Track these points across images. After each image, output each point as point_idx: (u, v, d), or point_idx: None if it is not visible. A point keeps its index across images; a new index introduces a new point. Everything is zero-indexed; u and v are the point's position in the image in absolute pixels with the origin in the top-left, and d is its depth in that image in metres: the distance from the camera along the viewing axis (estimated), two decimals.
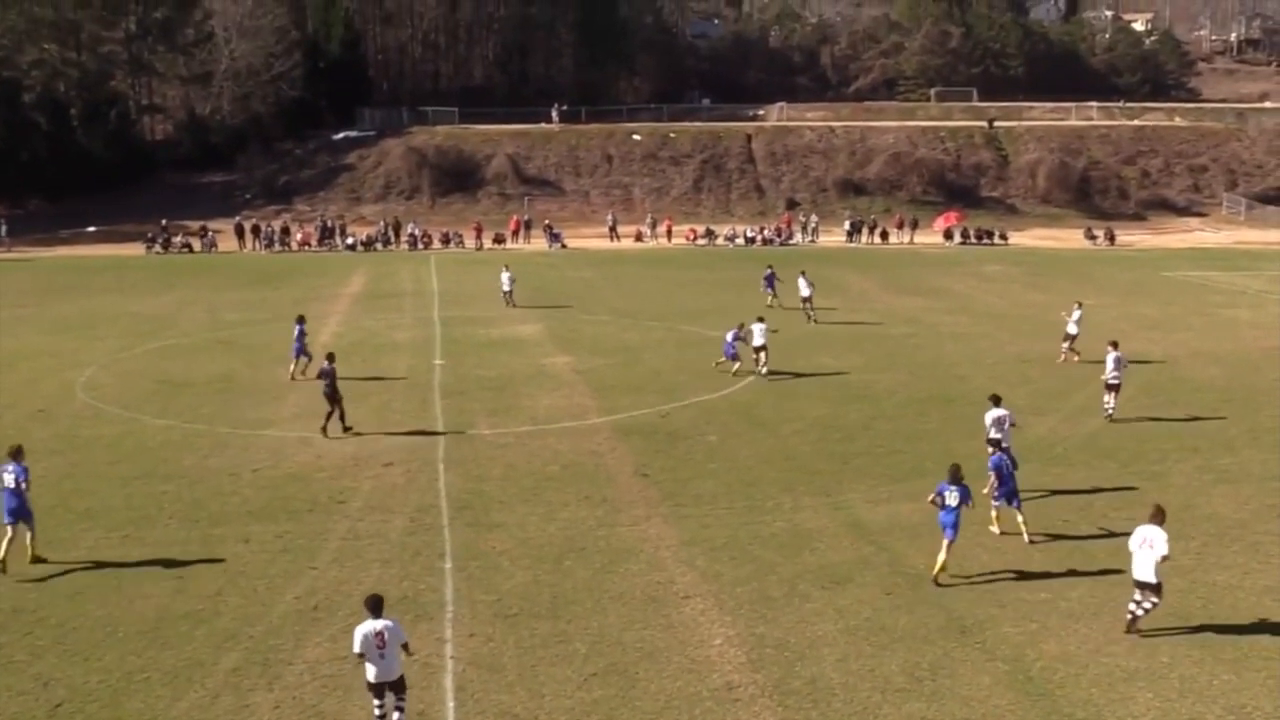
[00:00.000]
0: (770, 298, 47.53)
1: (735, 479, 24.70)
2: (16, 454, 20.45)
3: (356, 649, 14.34)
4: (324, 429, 27.91)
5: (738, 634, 17.19)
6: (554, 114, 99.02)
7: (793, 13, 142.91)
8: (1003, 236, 77.80)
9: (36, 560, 19.89)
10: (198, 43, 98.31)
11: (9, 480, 20.00)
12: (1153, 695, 15.36)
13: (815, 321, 44.47)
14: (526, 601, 18.34)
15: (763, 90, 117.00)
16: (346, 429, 28.09)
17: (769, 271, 48.51)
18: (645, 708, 15.11)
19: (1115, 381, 29.03)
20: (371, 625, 14.32)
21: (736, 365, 34.67)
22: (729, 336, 35.17)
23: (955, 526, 19.03)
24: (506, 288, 49.24)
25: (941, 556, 19.16)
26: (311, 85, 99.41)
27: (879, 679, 15.81)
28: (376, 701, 14.47)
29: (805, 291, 45.05)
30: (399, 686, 14.55)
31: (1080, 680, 15.77)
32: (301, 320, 34.97)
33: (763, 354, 34.49)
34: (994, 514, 21.28)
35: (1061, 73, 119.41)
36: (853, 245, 75.57)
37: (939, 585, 18.98)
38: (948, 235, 77.69)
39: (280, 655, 16.49)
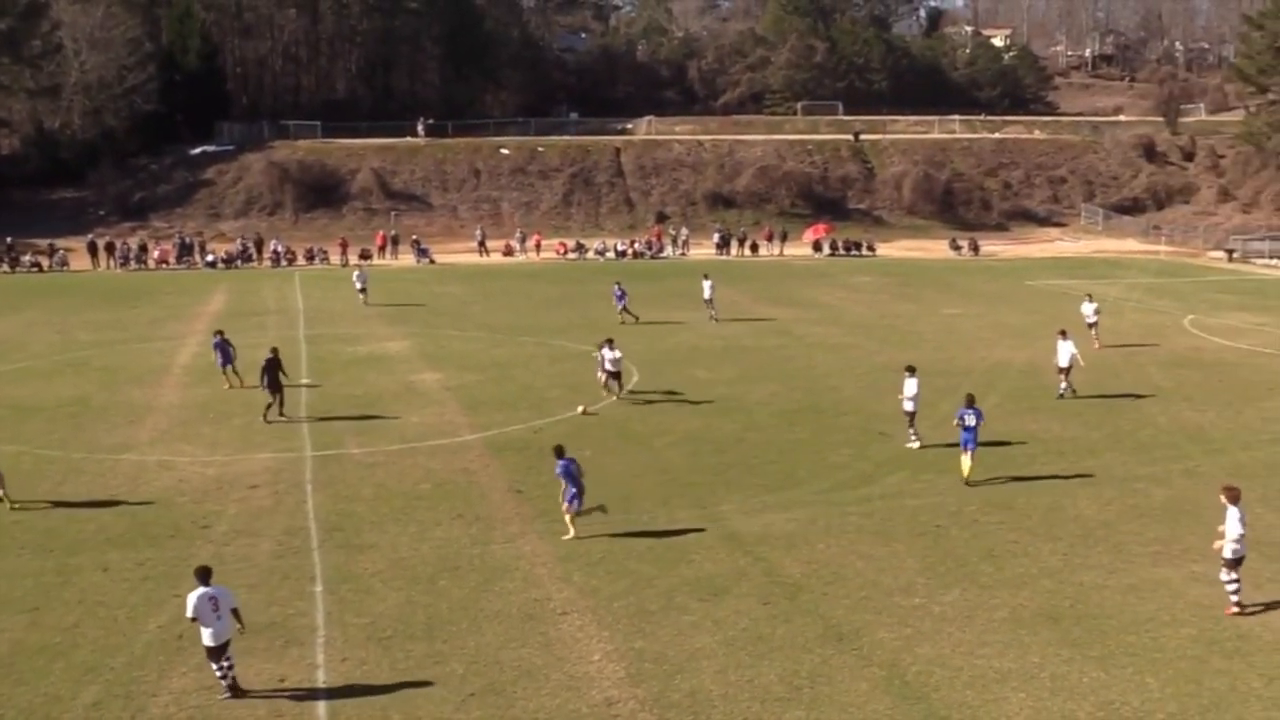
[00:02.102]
0: (621, 313, 47.48)
1: (609, 493, 24.48)
2: None
3: (190, 614, 15.55)
4: (270, 419, 30.55)
5: (616, 649, 17.05)
6: (420, 128, 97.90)
7: (660, 27, 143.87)
8: (870, 248, 79.23)
9: None
10: (45, 54, 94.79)
11: None
12: (1025, 695, 15.61)
13: (717, 320, 47.46)
14: (401, 623, 17.94)
15: (631, 104, 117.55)
16: (281, 415, 30.80)
17: (618, 288, 48.54)
18: None
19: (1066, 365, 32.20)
20: (203, 590, 15.56)
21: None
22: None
23: (974, 441, 24.62)
24: (360, 286, 53.21)
25: (968, 463, 24.61)
26: (167, 99, 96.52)
27: (758, 689, 15.80)
28: (214, 665, 15.59)
29: (708, 294, 48.29)
30: (226, 649, 15.67)
31: (955, 683, 15.96)
32: (220, 334, 35.91)
33: (615, 380, 33.42)
34: (568, 518, 21.69)
35: (924, 86, 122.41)
36: (723, 257, 76.19)
37: (970, 485, 24.43)
38: (817, 247, 78.85)
39: (144, 687, 15.85)
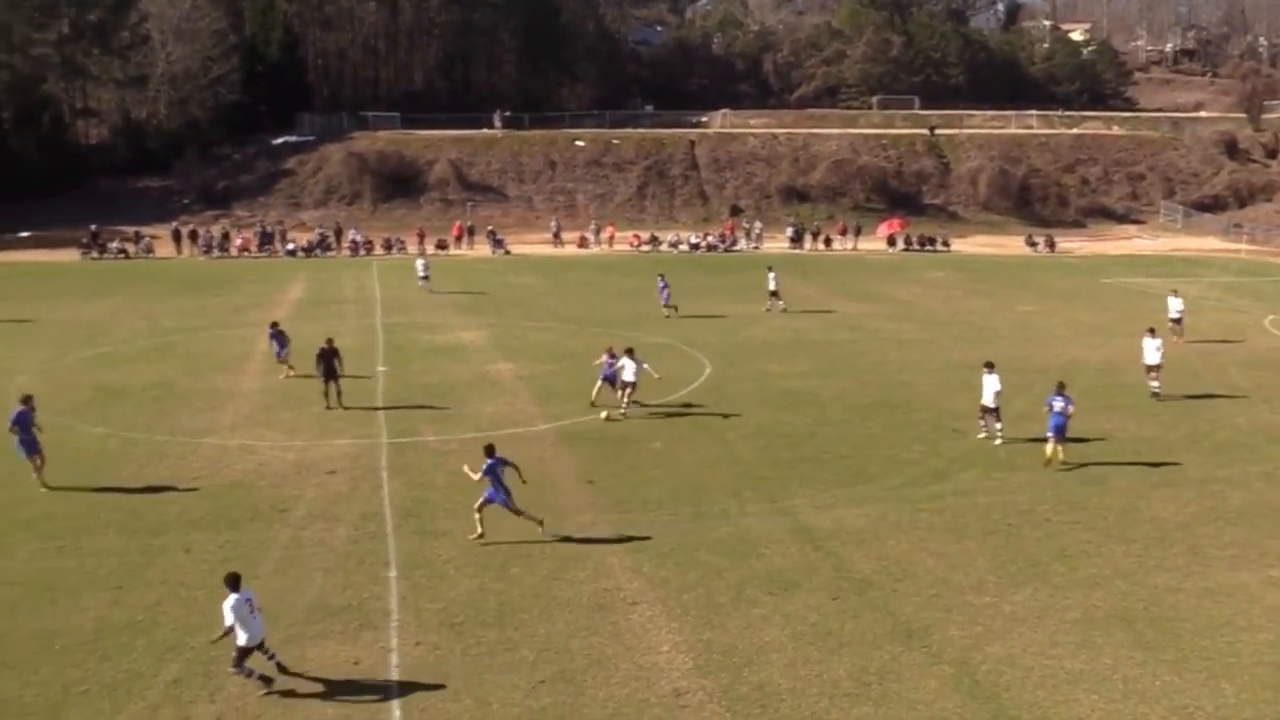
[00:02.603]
0: (665, 307, 47.42)
1: (681, 485, 24.67)
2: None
3: (229, 621, 15.51)
4: (329, 406, 31.04)
5: (685, 640, 17.15)
6: (497, 120, 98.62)
7: (735, 20, 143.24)
8: (945, 243, 78.57)
9: None
10: (133, 46, 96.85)
11: None
12: (1098, 697, 15.50)
13: (785, 310, 48.32)
14: (473, 609, 18.18)
15: (705, 97, 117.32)
16: (329, 408, 30.98)
17: (662, 280, 48.40)
18: (593, 715, 15.03)
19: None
20: (238, 595, 15.62)
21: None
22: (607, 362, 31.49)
23: (1062, 428, 25.47)
24: (422, 274, 55.25)
25: (1050, 448, 25.48)
26: (250, 89, 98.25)
27: (826, 684, 15.83)
28: (249, 665, 15.59)
29: (773, 285, 49.15)
30: (261, 648, 15.83)
31: (1026, 683, 15.88)
32: (275, 325, 36.55)
33: (629, 390, 30.92)
34: (476, 516, 21.30)
35: (1002, 81, 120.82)
36: (796, 251, 75.94)
37: (1049, 466, 25.33)
38: (891, 242, 78.31)
39: (222, 666, 16.20)
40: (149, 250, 71.41)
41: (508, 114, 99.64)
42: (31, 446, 24.41)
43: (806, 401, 32.51)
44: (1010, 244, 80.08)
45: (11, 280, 57.44)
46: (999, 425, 27.96)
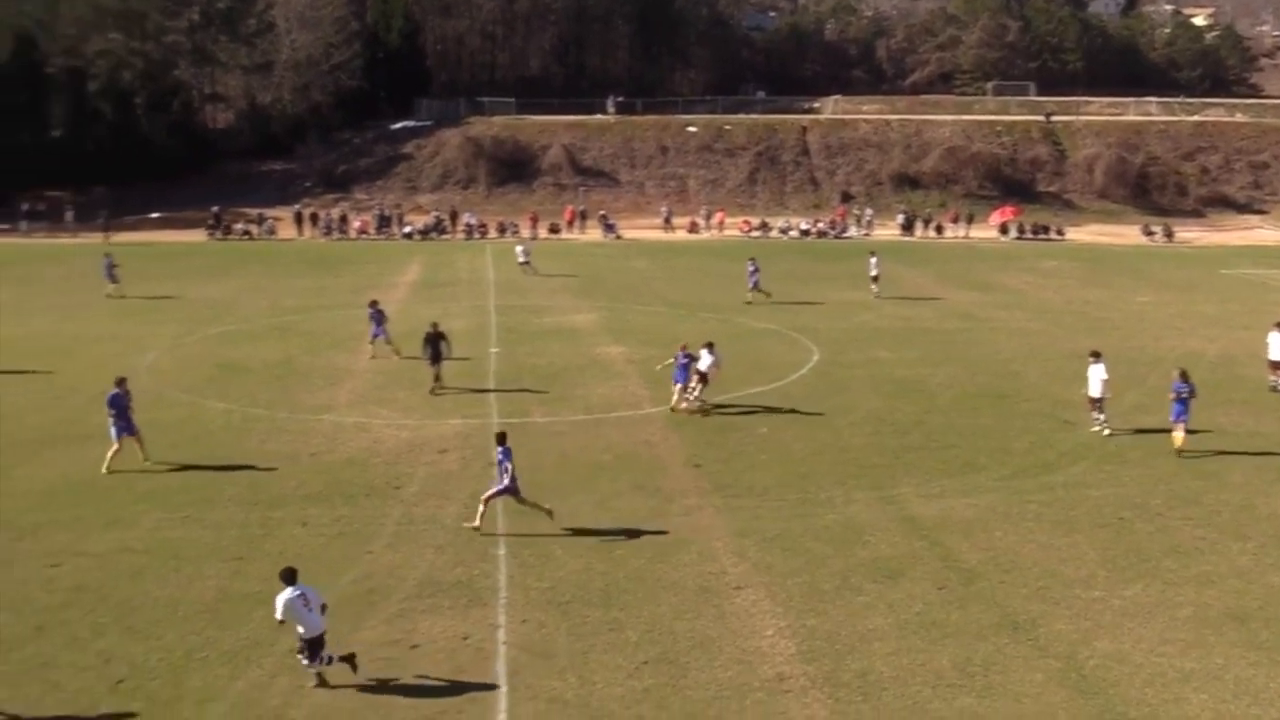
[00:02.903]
0: (752, 290, 47.14)
1: (788, 471, 24.72)
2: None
3: (279, 616, 15.44)
4: (434, 390, 31.27)
5: (789, 626, 17.24)
6: (610, 105, 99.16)
7: (848, 5, 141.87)
8: (1059, 232, 77.07)
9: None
10: (259, 33, 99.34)
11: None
12: (1208, 697, 15.25)
13: (878, 297, 47.86)
14: (579, 589, 18.48)
15: (818, 83, 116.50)
16: (433, 391, 31.21)
17: (752, 264, 47.98)
18: (696, 697, 15.20)
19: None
20: (292, 590, 15.47)
21: (692, 391, 29.73)
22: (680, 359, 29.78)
23: (1186, 413, 25.65)
24: (522, 259, 56.11)
25: (1180, 436, 25.57)
26: (370, 75, 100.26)
27: (930, 673, 15.80)
28: (305, 661, 15.49)
29: (874, 271, 48.95)
30: (322, 642, 15.56)
31: (1134, 680, 15.68)
32: (375, 304, 36.78)
33: (703, 384, 29.81)
34: (482, 506, 21.16)
35: (1120, 67, 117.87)
36: (907, 239, 75.15)
37: (1181, 455, 25.30)
38: (1003, 230, 77.04)
39: (336, 637, 16.66)
40: (271, 232, 73.29)
41: (621, 99, 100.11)
42: (127, 428, 24.63)
43: (915, 390, 32.27)
44: (1126, 233, 78.21)
45: (145, 260, 59.38)
46: (1102, 416, 27.61)
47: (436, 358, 31.56)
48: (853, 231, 77.73)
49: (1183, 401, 25.93)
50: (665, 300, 48.03)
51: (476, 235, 74.33)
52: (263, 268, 58.30)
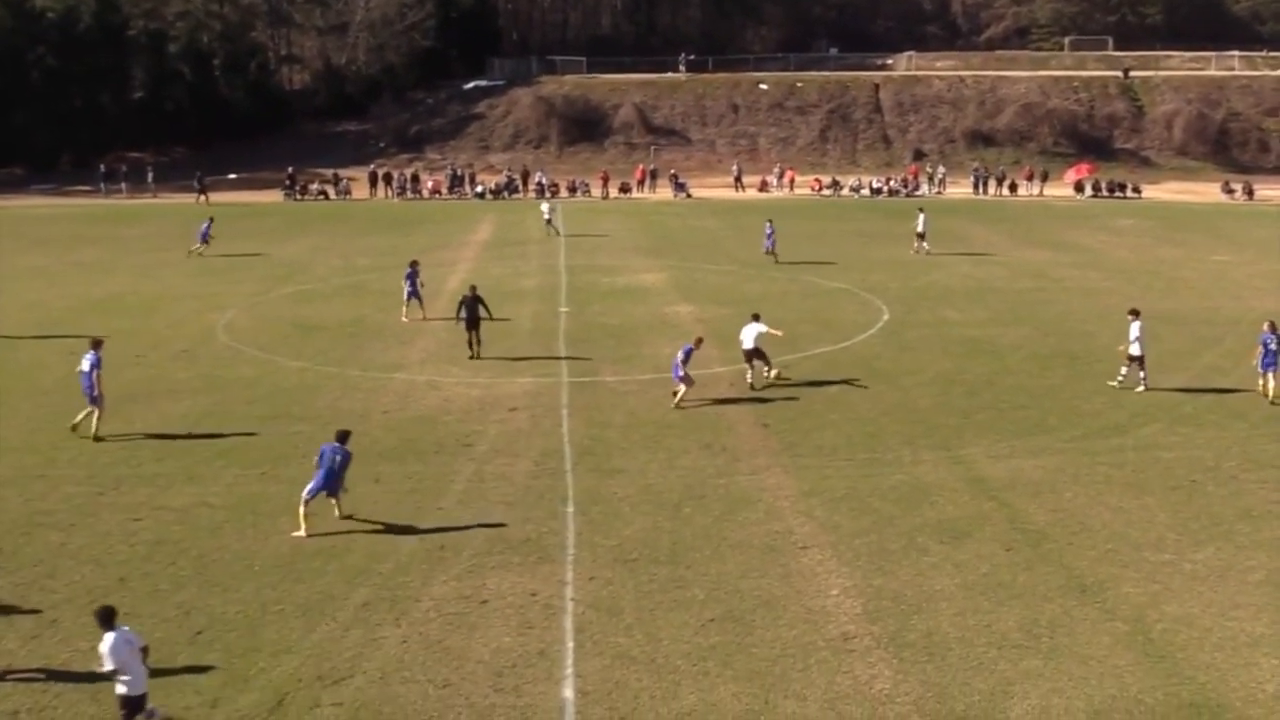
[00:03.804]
0: (767, 253, 46.64)
1: (855, 431, 24.71)
2: (97, 344, 24.65)
3: (109, 665, 12.72)
4: (473, 354, 30.85)
5: (855, 585, 17.31)
6: (681, 64, 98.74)
7: None
8: (1136, 190, 75.64)
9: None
10: None
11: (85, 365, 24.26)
12: (1278, 662, 15.10)
13: (928, 253, 48.02)
14: (646, 547, 18.67)
15: (891, 39, 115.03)
16: (472, 356, 30.75)
17: (769, 226, 47.38)
18: (761, 654, 15.34)
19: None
20: (115, 634, 12.86)
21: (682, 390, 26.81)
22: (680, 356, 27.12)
23: (1276, 363, 26.27)
24: (546, 217, 55.46)
25: (1272, 384, 26.30)
26: (443, 35, 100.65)
27: (996, 634, 15.80)
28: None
29: (921, 227, 49.10)
30: (143, 703, 13.06)
31: (1203, 644, 15.55)
32: (414, 265, 36.62)
33: (757, 361, 28.29)
34: (301, 510, 19.43)
35: (1201, 20, 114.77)
36: (979, 197, 74.19)
37: (1274, 405, 25.97)
38: (1078, 188, 75.77)
39: (407, 592, 17.08)
40: (346, 192, 74.06)
41: (691, 57, 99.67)
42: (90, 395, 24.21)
43: (985, 350, 32.02)
44: (1206, 191, 76.54)
45: (220, 220, 60.35)
46: (1142, 374, 27.41)
47: (474, 323, 30.92)
48: (924, 190, 76.90)
49: (1271, 353, 26.36)
50: (735, 259, 47.96)
51: (548, 194, 74.54)
52: (337, 227, 59.01)
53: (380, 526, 19.59)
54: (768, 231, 47.33)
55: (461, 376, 29.17)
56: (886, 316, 36.28)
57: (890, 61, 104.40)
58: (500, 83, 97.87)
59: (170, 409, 26.35)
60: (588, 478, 21.83)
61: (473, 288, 31.76)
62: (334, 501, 19.83)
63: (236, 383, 28.78)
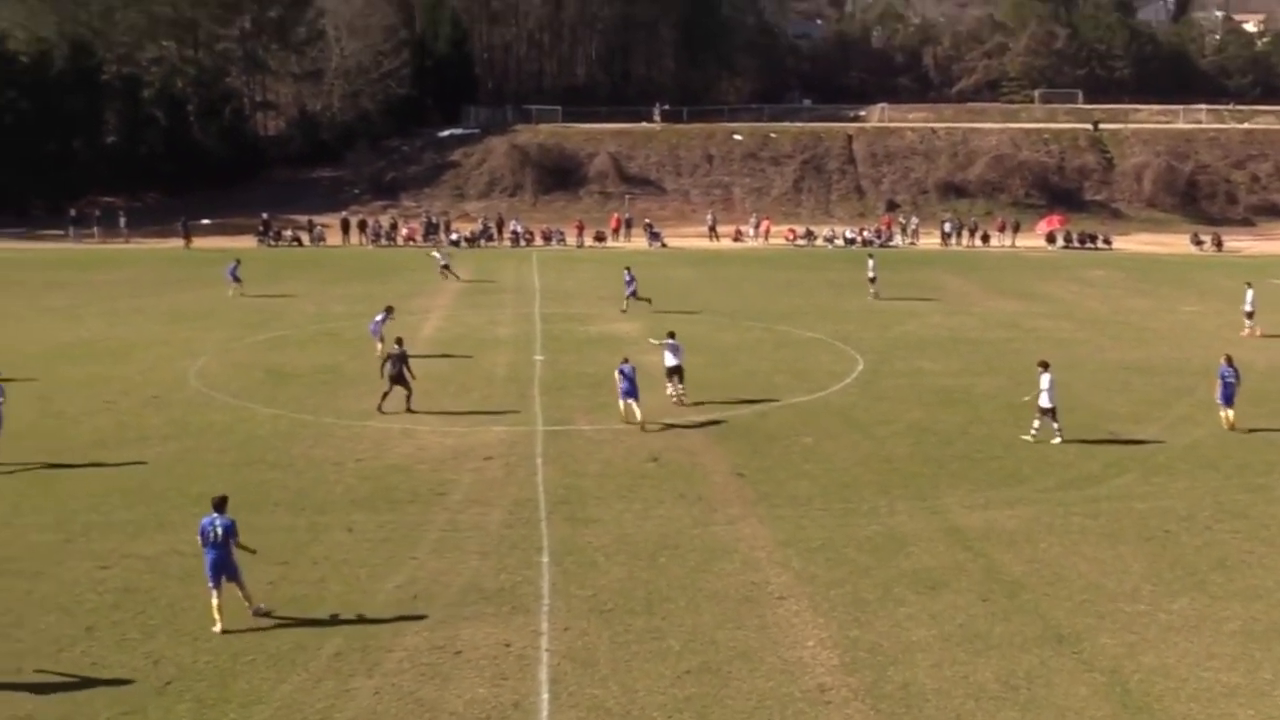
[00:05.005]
0: (628, 299, 46.94)
1: (831, 481, 24.71)
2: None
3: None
4: (388, 407, 29.86)
5: (831, 636, 17.24)
6: (656, 113, 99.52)
7: (896, 13, 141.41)
8: (1106, 241, 76.38)
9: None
10: (310, 41, 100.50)
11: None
12: (1254, 713, 15.10)
13: (877, 298, 49.71)
14: (622, 597, 18.56)
15: (864, 91, 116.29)
16: (381, 408, 29.98)
17: (628, 274, 47.92)
18: (738, 707, 15.23)
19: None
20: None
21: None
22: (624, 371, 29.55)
23: (1232, 397, 28.02)
24: (443, 263, 56.40)
25: (1231, 415, 27.97)
26: (419, 83, 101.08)
27: (973, 686, 15.74)
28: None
29: (871, 273, 50.62)
30: None
31: (1179, 694, 15.55)
32: (388, 310, 37.39)
33: (676, 377, 31.41)
34: (214, 602, 17.59)
35: (1170, 74, 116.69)
36: (952, 248, 74.79)
37: (1234, 431, 27.38)
38: (1050, 239, 76.47)
39: (380, 642, 16.90)
40: (321, 239, 73.90)
41: (666, 107, 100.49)
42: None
43: (959, 400, 32.14)
44: (1175, 242, 77.35)
45: (194, 266, 60.22)
46: (1056, 425, 27.48)
47: (398, 378, 30.08)
48: (898, 240, 77.45)
49: (1229, 385, 28.29)
50: (710, 309, 48.07)
51: (523, 243, 74.71)
52: (311, 274, 58.86)
53: (353, 575, 19.40)
54: (627, 279, 47.59)
55: (435, 425, 29.04)
56: (861, 366, 36.40)
57: (863, 113, 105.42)
58: (476, 131, 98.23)
59: (141, 455, 26.10)
60: (563, 527, 21.72)
61: (399, 340, 31.50)
62: (239, 591, 17.67)
63: (209, 429, 28.55)
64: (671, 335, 31.80)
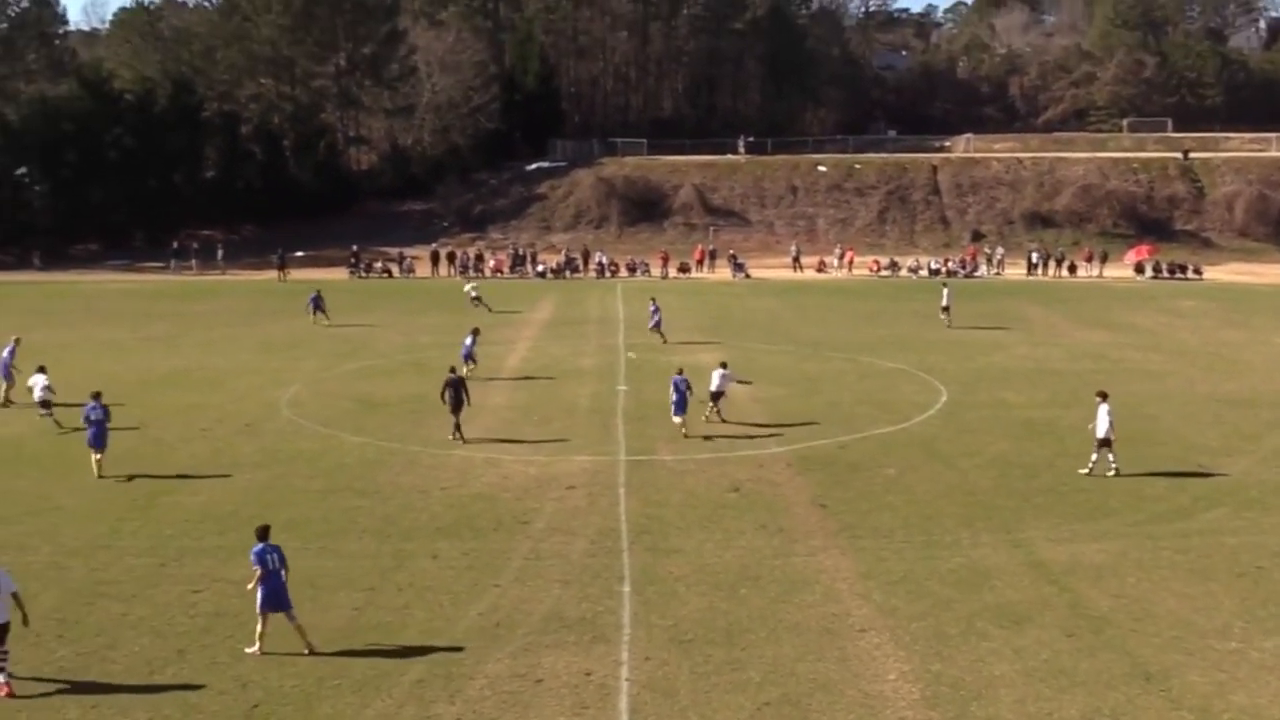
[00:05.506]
0: (652, 330, 47.25)
1: (913, 513, 24.54)
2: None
3: None
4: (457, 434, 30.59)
5: (913, 670, 17.12)
6: (740, 145, 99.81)
7: (981, 43, 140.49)
8: (1197, 271, 74.98)
9: None
10: (402, 77, 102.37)
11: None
12: None
13: (949, 326, 49.94)
14: (702, 628, 18.59)
15: (949, 121, 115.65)
16: (455, 437, 30.51)
17: (653, 304, 48.44)
18: None
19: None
20: None
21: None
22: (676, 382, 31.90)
23: None
24: (474, 295, 57.13)
25: None
26: (507, 117, 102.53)
27: None
28: None
29: (945, 301, 50.90)
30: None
31: None
32: (475, 332, 39.91)
33: (719, 401, 32.82)
34: (258, 626, 17.76)
35: (1262, 102, 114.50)
36: (1037, 278, 73.89)
37: None
38: (1139, 269, 75.29)
39: (462, 669, 17.11)
40: (410, 270, 75.18)
41: (751, 139, 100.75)
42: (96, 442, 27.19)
43: (1045, 432, 31.75)
44: (1268, 272, 75.71)
45: (287, 297, 61.42)
46: (1112, 457, 27.01)
47: (458, 405, 30.78)
48: (983, 271, 76.73)
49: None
50: (793, 339, 48.02)
51: (608, 274, 75.24)
52: (399, 305, 59.84)
53: (437, 602, 19.67)
54: (652, 310, 47.78)
55: (520, 454, 29.35)
56: (945, 397, 36.12)
57: (948, 143, 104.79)
58: (562, 164, 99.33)
59: (233, 482, 26.74)
60: (644, 557, 21.83)
61: (452, 369, 32.30)
62: (293, 624, 17.73)
63: (298, 457, 29.16)
64: (724, 365, 33.39)
